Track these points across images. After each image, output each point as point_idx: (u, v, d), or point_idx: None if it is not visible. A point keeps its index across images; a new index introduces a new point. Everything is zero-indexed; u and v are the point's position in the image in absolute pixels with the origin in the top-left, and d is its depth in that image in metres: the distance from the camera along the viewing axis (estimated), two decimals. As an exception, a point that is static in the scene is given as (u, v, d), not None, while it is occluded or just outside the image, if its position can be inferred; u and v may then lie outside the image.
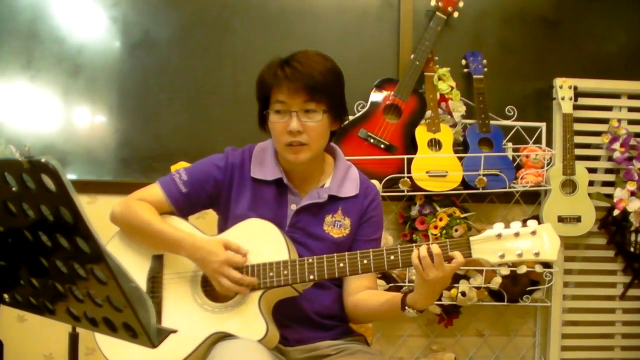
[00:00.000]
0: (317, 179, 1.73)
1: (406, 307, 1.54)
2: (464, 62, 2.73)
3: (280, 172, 1.69)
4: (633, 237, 2.76)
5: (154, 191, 1.70)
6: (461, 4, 2.68)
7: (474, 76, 2.70)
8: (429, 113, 2.62)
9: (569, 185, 2.68)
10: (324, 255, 1.56)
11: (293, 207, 1.69)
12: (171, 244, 1.61)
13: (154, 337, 1.01)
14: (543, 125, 2.75)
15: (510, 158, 2.67)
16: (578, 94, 2.72)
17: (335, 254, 1.56)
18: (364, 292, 1.70)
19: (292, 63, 1.60)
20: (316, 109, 1.60)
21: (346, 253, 1.56)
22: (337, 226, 1.70)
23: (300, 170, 1.70)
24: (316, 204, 1.69)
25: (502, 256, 1.47)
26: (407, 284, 2.55)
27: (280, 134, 1.62)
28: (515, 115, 2.72)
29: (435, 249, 1.45)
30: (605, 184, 2.82)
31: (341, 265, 1.55)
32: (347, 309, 1.72)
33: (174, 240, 1.61)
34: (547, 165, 2.69)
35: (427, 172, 2.55)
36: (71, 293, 1.03)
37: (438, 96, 2.67)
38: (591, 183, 2.78)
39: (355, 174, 1.77)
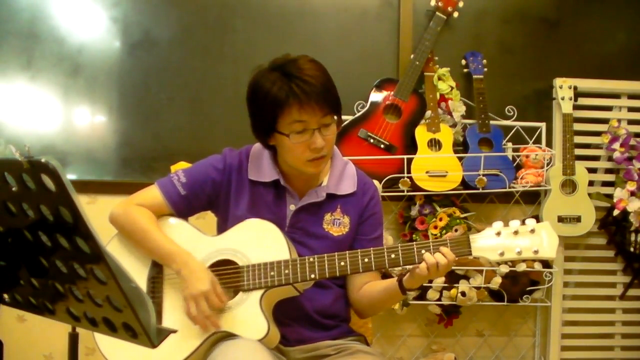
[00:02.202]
0: (315, 178, 1.73)
1: (406, 292, 1.61)
2: (463, 62, 2.73)
3: (278, 174, 1.69)
4: (633, 237, 2.76)
5: (153, 193, 1.70)
6: (461, 4, 2.68)
7: (474, 76, 2.70)
8: (428, 113, 2.62)
9: (569, 185, 2.68)
10: (325, 254, 1.57)
11: (292, 207, 1.69)
12: (164, 256, 1.62)
13: (154, 337, 1.01)
14: (543, 125, 2.75)
15: (510, 158, 2.67)
16: (578, 94, 2.72)
17: (336, 253, 1.57)
18: (365, 286, 1.72)
19: (298, 79, 1.54)
20: (331, 121, 1.61)
21: (347, 252, 1.57)
22: (336, 224, 1.70)
23: (298, 172, 1.69)
24: (315, 203, 1.69)
25: (502, 254, 1.48)
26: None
27: (302, 151, 1.59)
28: (515, 115, 2.72)
29: (450, 255, 1.50)
30: (605, 184, 2.82)
31: (342, 264, 1.55)
32: (354, 304, 1.75)
33: (167, 253, 1.61)
34: (547, 165, 2.69)
35: (427, 172, 2.55)
36: (71, 293, 1.03)
37: (438, 96, 2.67)
38: (591, 183, 2.78)
39: (353, 171, 1.77)
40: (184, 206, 1.70)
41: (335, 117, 1.61)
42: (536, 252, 1.47)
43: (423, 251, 1.52)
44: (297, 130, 1.57)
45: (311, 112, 1.55)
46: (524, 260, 2.53)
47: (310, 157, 1.60)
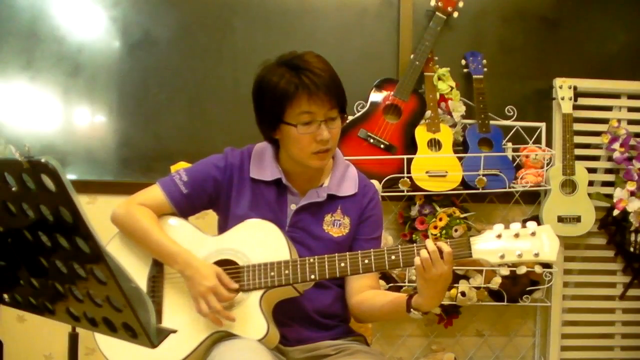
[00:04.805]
0: (316, 178, 1.73)
1: (411, 310, 1.53)
2: (463, 62, 2.73)
3: (279, 173, 1.69)
4: (633, 237, 2.76)
5: (155, 193, 1.70)
6: (461, 4, 2.68)
7: (474, 76, 2.70)
8: (428, 113, 2.62)
9: (569, 185, 2.68)
10: (325, 255, 1.56)
11: (293, 207, 1.69)
12: (166, 256, 1.62)
13: (154, 337, 1.01)
14: (543, 125, 2.75)
15: (510, 158, 2.67)
16: (578, 94, 2.72)
17: (336, 254, 1.56)
18: (367, 292, 1.69)
19: (307, 71, 1.56)
20: (337, 115, 1.62)
21: (347, 253, 1.56)
22: (336, 225, 1.70)
23: (300, 171, 1.70)
24: (315, 203, 1.69)
25: (502, 257, 1.47)
26: (407, 284, 2.55)
27: (308, 144, 1.60)
28: (515, 115, 2.72)
29: (446, 247, 1.45)
30: (605, 184, 2.82)
31: (342, 265, 1.55)
32: (352, 308, 1.72)
33: (169, 254, 1.61)
34: (547, 165, 2.69)
35: (426, 172, 2.55)
36: (71, 293, 1.03)
37: (438, 96, 2.67)
38: (591, 183, 2.78)
39: (354, 173, 1.77)
40: (185, 205, 1.70)
41: (340, 112, 1.62)
42: (537, 255, 1.46)
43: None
44: (304, 121, 1.58)
45: (320, 104, 1.57)
46: (524, 263, 2.54)
47: (315, 150, 1.61)
